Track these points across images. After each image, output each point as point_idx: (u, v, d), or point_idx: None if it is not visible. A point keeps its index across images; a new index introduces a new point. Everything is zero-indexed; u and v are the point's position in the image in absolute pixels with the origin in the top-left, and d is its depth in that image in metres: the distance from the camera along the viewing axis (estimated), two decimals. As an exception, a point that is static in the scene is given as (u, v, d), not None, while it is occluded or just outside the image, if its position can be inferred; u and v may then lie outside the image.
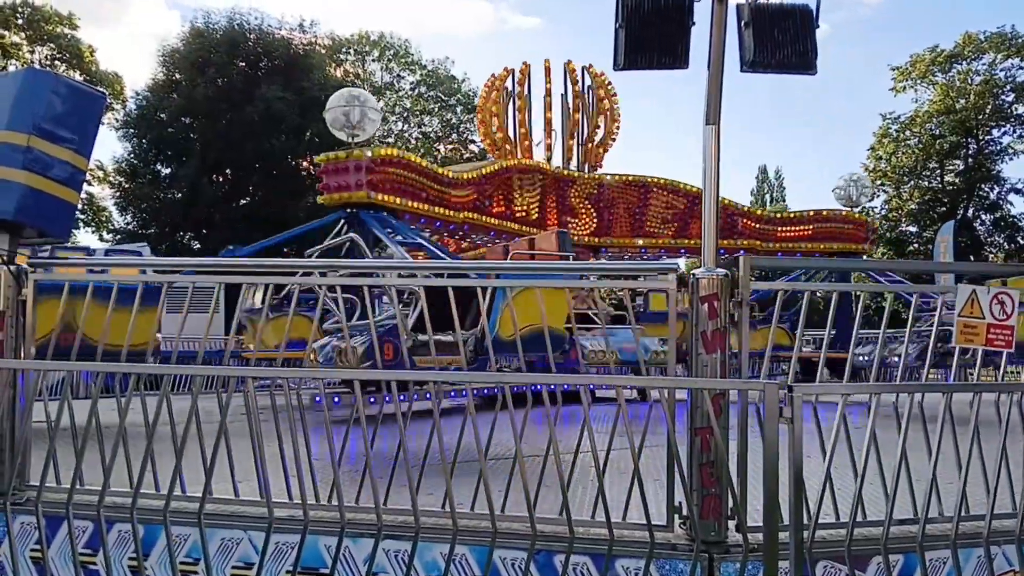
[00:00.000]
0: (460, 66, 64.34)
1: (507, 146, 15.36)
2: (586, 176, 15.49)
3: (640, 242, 15.81)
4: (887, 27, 65.10)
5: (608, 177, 15.63)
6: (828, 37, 61.01)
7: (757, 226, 16.75)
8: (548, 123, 15.73)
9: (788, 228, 16.98)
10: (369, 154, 11.06)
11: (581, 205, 15.30)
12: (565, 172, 15.35)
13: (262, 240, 12.93)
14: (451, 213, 12.78)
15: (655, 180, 15.78)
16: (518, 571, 3.30)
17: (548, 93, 15.83)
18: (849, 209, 16.62)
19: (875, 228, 18.66)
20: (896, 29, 66.49)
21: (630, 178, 15.75)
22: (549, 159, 15.55)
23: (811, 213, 16.92)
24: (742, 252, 15.80)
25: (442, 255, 10.76)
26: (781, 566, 2.94)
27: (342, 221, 10.98)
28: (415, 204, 11.82)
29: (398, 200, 11.35)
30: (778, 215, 17.79)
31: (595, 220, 15.40)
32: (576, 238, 14.99)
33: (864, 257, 16.77)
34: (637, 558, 3.25)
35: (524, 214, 14.37)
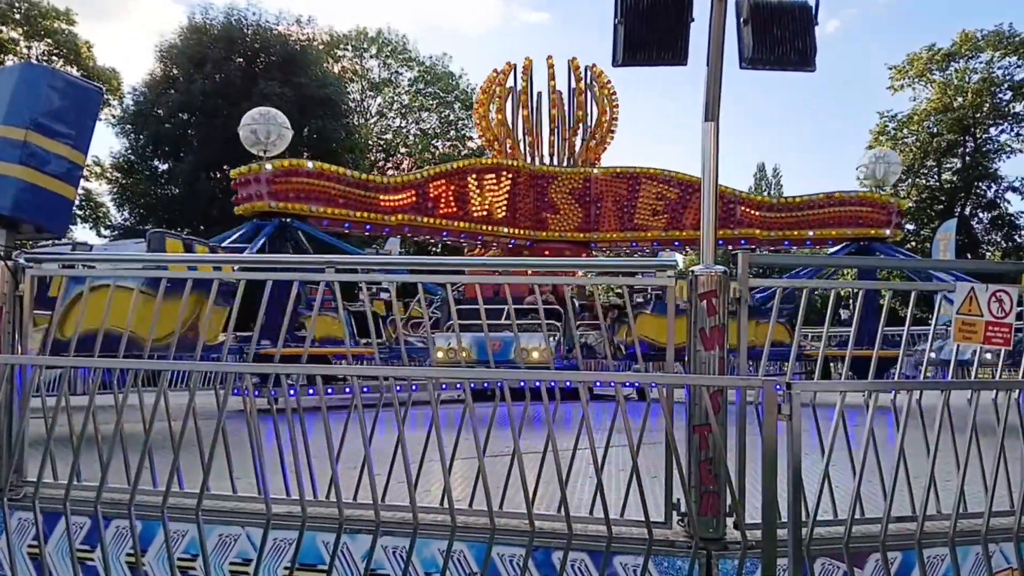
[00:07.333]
0: (466, 62, 64.23)
1: (508, 141, 15.31)
2: (570, 171, 15.22)
3: (630, 236, 15.28)
4: (903, 23, 64.64)
5: (595, 171, 15.28)
6: (837, 32, 60.91)
7: (758, 214, 15.39)
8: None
9: (794, 214, 15.30)
10: (268, 167, 11.97)
11: (564, 201, 15.03)
12: (545, 168, 15.12)
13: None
14: (381, 217, 13.37)
15: (644, 170, 15.27)
16: (516, 568, 3.30)
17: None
18: (869, 190, 14.89)
19: (902, 210, 15.87)
20: (911, 25, 66.15)
21: (618, 170, 15.33)
22: (542, 157, 15.45)
23: (821, 196, 15.14)
24: (742, 242, 15.06)
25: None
26: (779, 563, 2.94)
27: (272, 229, 11.96)
28: (331, 210, 12.61)
29: (307, 208, 12.24)
30: (782, 201, 16.00)
31: (580, 215, 15.07)
32: (558, 234, 14.90)
33: (890, 241, 14.86)
34: (635, 555, 3.25)
35: (486, 214, 14.39)
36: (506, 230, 14.60)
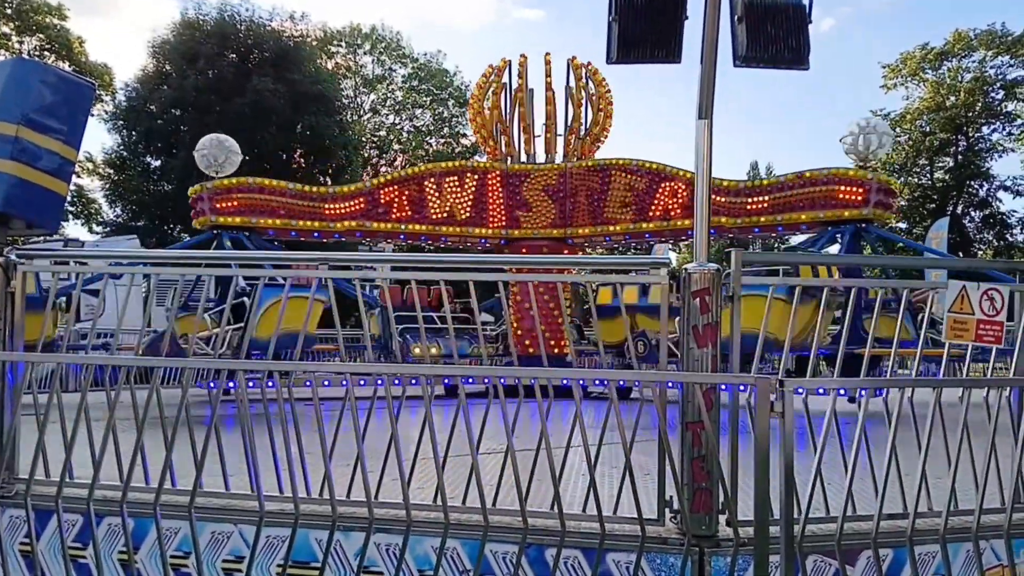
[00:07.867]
0: (460, 59, 64.21)
1: (503, 138, 15.25)
2: (544, 167, 15.02)
3: (600, 229, 14.77)
4: (897, 22, 64.66)
5: (569, 165, 14.95)
6: (832, 30, 60.96)
7: (724, 200, 13.88)
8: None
9: (762, 199, 13.78)
10: (209, 186, 13.45)
11: (537, 198, 14.84)
12: (516, 167, 14.97)
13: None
14: (327, 224, 14.36)
15: (614, 162, 14.75)
16: (509, 565, 3.30)
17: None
18: (845, 167, 13.10)
19: (891, 187, 13.66)
20: (904, 25, 66.14)
21: (591, 163, 14.91)
22: (531, 154, 15.35)
23: (791, 177, 13.57)
24: (712, 232, 14.55)
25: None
26: (771, 560, 2.95)
27: (221, 238, 13.25)
28: (273, 221, 13.84)
29: (249, 220, 13.55)
30: (749, 184, 14.39)
31: (554, 212, 14.82)
32: (532, 231, 14.82)
33: (876, 224, 13.15)
34: (628, 552, 3.26)
35: (447, 215, 14.70)
36: (473, 230, 14.65)
